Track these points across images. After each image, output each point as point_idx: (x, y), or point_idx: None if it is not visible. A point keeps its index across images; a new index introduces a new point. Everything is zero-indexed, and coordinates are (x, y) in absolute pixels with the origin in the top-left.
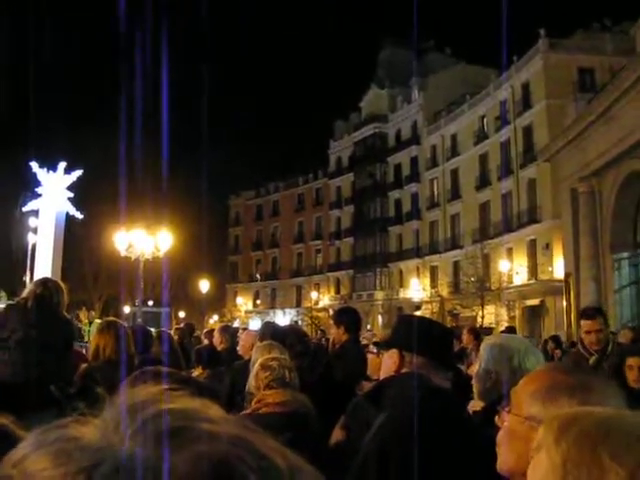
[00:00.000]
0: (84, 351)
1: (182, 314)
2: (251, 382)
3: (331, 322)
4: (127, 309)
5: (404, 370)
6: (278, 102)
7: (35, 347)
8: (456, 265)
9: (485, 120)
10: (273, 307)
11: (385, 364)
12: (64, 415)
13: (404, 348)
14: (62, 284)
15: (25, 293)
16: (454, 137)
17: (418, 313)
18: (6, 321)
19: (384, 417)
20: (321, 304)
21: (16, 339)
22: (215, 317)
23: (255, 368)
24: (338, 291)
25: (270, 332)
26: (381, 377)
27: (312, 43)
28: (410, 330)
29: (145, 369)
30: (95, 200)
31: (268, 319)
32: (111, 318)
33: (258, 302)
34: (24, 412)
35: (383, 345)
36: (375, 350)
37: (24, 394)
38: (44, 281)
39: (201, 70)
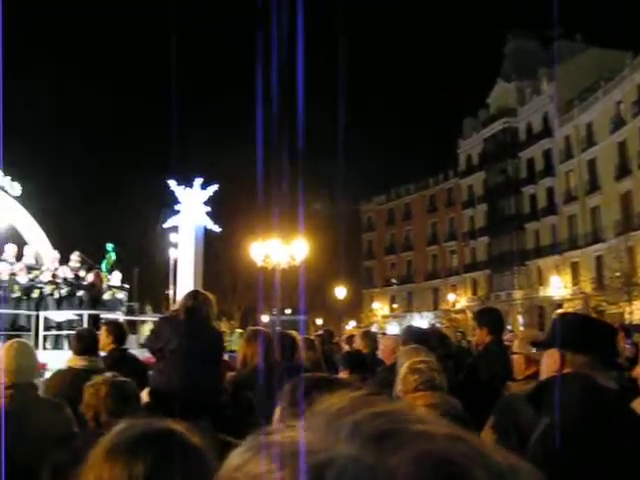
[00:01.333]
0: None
1: (319, 321)
2: (398, 386)
3: (473, 324)
4: (265, 318)
5: (566, 370)
6: (403, 105)
7: (188, 357)
8: (599, 260)
9: (622, 106)
10: (410, 311)
11: (545, 364)
12: (218, 422)
13: (565, 347)
14: (211, 296)
15: (177, 306)
16: (589, 126)
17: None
18: (160, 332)
19: (550, 419)
20: (458, 306)
21: (170, 349)
22: (352, 323)
23: (402, 372)
24: (475, 292)
25: (412, 335)
26: (542, 378)
27: (433, 43)
28: (570, 328)
29: (302, 375)
30: (231, 213)
31: (405, 323)
32: (257, 327)
33: (394, 306)
34: (179, 419)
35: (542, 345)
36: (533, 350)
37: (179, 402)
38: (194, 294)
39: (335, 80)
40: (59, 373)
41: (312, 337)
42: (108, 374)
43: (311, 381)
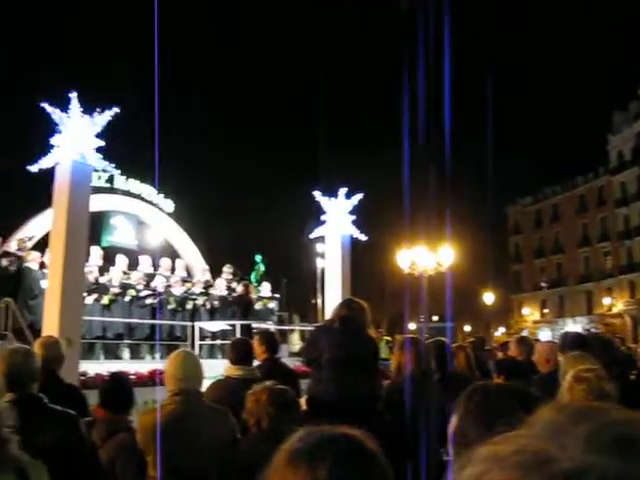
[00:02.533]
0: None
1: (467, 328)
2: (565, 395)
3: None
4: (412, 325)
5: None
6: (546, 101)
7: (344, 365)
8: None
9: None
10: (562, 316)
11: None
12: (374, 430)
13: None
14: (365, 304)
15: (331, 315)
16: None
17: None
18: (316, 342)
19: None
20: (615, 310)
21: (326, 358)
22: (501, 329)
23: (567, 381)
24: (633, 295)
25: (571, 342)
26: None
27: (577, 33)
28: None
29: (477, 384)
30: (376, 221)
31: (558, 328)
32: (411, 335)
33: (545, 311)
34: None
35: None
36: None
37: (336, 410)
38: (348, 302)
39: (479, 81)
40: (217, 382)
41: (464, 344)
42: (268, 382)
43: (500, 391)
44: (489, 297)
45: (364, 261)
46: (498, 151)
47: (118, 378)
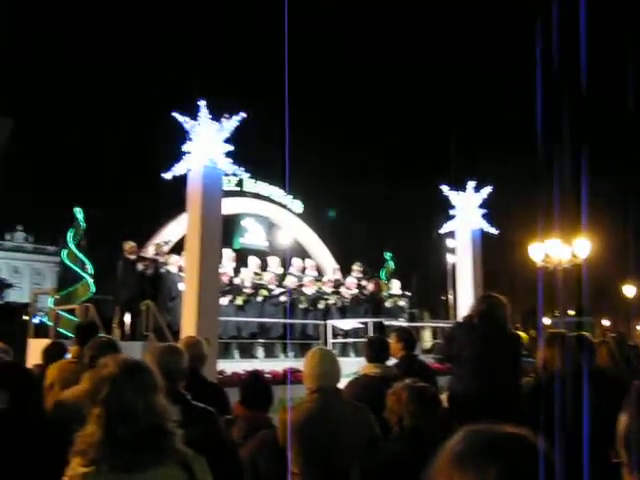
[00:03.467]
0: None
1: (606, 322)
2: None
3: None
4: (547, 320)
5: None
6: None
7: (485, 361)
8: None
9: None
10: None
11: None
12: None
13: None
14: (504, 298)
15: (470, 310)
16: None
17: None
18: (455, 338)
19: None
20: None
21: (466, 355)
22: None
23: None
24: None
25: None
26: None
27: None
28: None
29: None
30: (507, 214)
31: None
32: (558, 329)
33: None
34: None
35: None
36: None
37: (477, 406)
38: (487, 297)
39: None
40: (354, 380)
41: (606, 339)
42: (408, 380)
43: None
44: (630, 289)
45: (494, 255)
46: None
47: (257, 376)
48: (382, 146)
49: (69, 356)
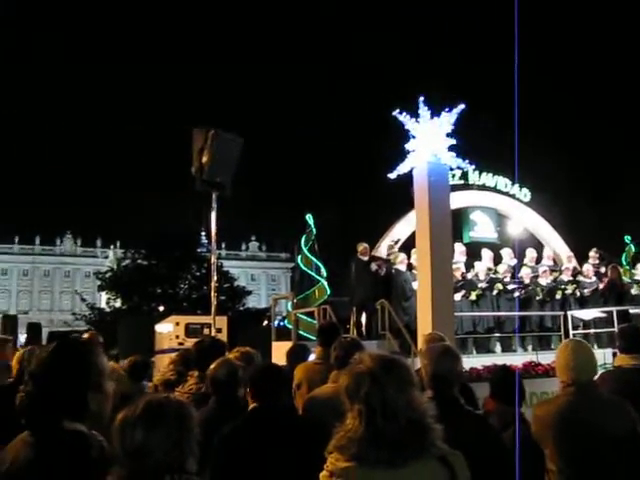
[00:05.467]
0: None
1: None
2: None
3: None
4: None
5: None
6: None
7: None
8: None
9: None
10: None
11: None
12: None
13: None
14: None
15: None
16: None
17: None
18: None
19: None
20: None
21: None
22: None
23: None
24: None
25: None
26: None
27: None
28: None
29: None
30: None
31: None
32: None
33: None
34: None
35: None
36: None
37: None
38: None
39: None
40: (606, 373)
41: None
42: None
43: None
44: None
45: None
46: None
47: (507, 370)
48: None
49: (312, 357)
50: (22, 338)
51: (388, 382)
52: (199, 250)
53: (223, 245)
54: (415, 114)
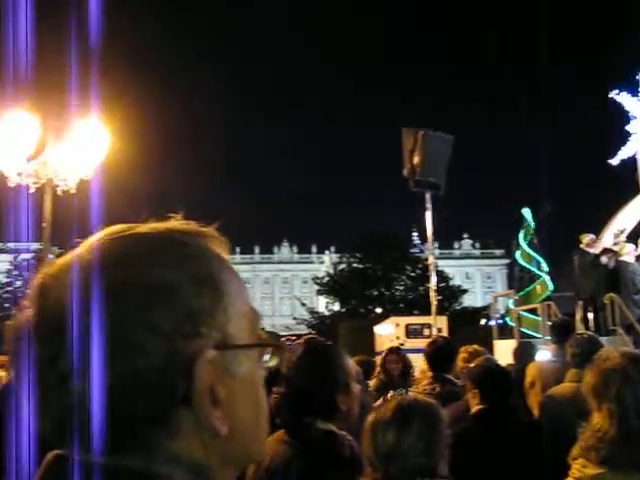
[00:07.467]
0: None
1: None
2: None
3: None
4: None
5: None
6: None
7: None
8: None
9: None
10: None
11: None
12: None
13: None
14: None
15: None
16: None
17: None
18: None
19: None
20: None
21: None
22: None
23: None
24: None
25: None
26: None
27: None
28: None
29: None
30: None
31: None
32: None
33: None
34: None
35: None
36: None
37: None
38: None
39: None
40: None
41: None
42: None
43: None
44: None
45: None
46: None
47: None
48: None
49: (540, 354)
50: None
51: None
52: (412, 251)
53: (436, 244)
54: (635, 93)
